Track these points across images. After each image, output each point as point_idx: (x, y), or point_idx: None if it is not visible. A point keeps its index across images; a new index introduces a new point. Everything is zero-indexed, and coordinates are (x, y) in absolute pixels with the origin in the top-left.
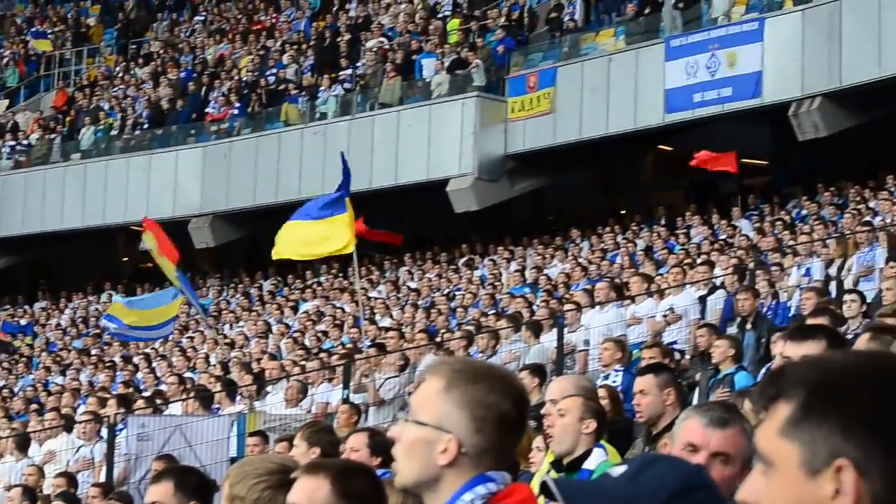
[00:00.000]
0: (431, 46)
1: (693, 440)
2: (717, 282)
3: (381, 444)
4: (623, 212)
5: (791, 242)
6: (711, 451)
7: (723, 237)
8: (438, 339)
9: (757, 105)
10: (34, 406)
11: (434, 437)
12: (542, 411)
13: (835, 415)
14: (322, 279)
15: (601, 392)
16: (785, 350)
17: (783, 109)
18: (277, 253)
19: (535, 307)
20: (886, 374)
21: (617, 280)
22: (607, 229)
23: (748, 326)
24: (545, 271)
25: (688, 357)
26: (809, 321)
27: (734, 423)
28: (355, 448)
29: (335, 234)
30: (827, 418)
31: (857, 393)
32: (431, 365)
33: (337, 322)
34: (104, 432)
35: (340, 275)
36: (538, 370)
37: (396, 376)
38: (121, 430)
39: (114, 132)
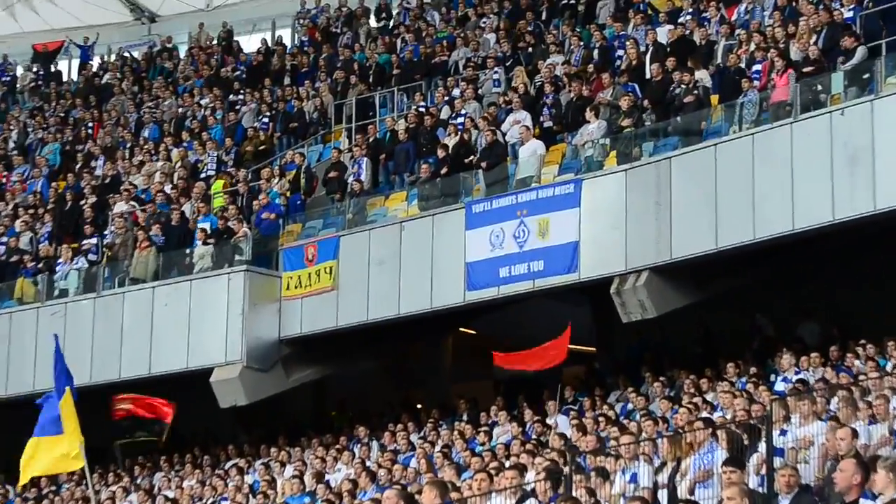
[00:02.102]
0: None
1: None
2: (528, 489)
3: None
4: (419, 406)
5: (615, 443)
6: None
7: (535, 437)
8: None
9: (573, 281)
10: None
11: None
12: None
13: None
14: (63, 488)
15: None
16: None
17: (604, 286)
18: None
19: None
20: None
21: (410, 488)
22: (400, 427)
23: None
24: (327, 477)
25: None
26: None
27: None
28: None
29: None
30: None
31: None
32: None
33: None
34: None
35: (83, 483)
36: None
37: None
38: None
39: None
